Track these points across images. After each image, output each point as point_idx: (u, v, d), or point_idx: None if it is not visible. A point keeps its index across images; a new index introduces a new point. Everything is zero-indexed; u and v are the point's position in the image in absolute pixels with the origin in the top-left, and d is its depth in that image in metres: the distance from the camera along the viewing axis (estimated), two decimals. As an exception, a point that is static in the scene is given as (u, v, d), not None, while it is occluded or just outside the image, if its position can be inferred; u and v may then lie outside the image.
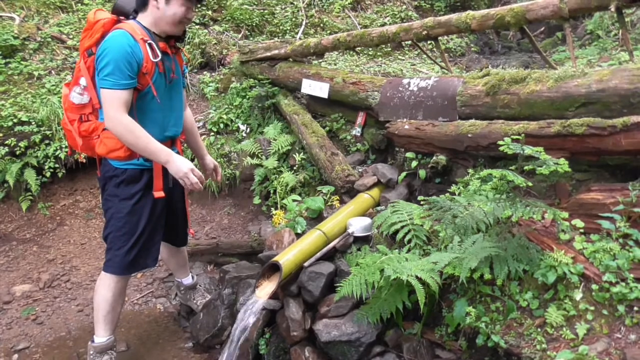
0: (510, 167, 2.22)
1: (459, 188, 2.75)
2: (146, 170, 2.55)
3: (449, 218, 2.25)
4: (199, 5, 2.52)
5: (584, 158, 2.40)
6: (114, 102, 2.30)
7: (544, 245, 2.16)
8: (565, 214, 2.22)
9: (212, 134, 4.99)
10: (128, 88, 2.33)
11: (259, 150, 4.46)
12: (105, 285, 2.69)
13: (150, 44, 2.37)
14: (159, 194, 2.54)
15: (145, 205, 2.57)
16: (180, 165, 2.41)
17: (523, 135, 2.21)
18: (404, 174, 3.26)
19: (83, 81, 2.48)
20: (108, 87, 2.29)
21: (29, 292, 3.71)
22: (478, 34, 7.32)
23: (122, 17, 2.47)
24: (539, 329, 1.98)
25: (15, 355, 3.10)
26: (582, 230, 2.19)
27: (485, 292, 2.18)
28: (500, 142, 2.21)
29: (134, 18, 2.44)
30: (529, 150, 2.14)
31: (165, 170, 2.56)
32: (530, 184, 2.13)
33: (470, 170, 2.83)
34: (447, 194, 2.70)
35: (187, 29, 2.74)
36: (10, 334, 3.28)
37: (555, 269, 2.02)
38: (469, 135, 2.79)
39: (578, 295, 1.98)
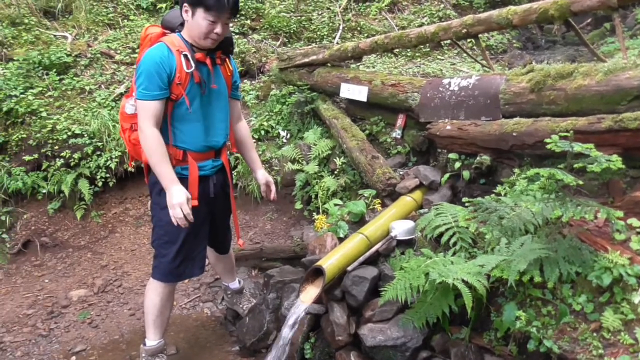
0: (559, 166, 2.15)
1: (504, 188, 2.68)
2: (184, 180, 2.57)
3: (495, 219, 2.20)
4: (231, 20, 2.50)
5: (638, 154, 2.29)
6: (142, 112, 2.38)
7: (598, 246, 2.07)
8: (620, 213, 2.13)
9: (254, 141, 5.06)
10: (158, 99, 2.38)
11: (300, 156, 4.50)
12: (154, 290, 2.77)
13: (185, 55, 2.41)
14: (193, 202, 2.55)
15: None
16: (174, 196, 2.40)
17: (571, 131, 2.14)
18: (446, 175, 3.21)
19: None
20: (140, 98, 2.37)
21: (85, 297, 3.87)
22: (520, 29, 7.12)
23: (168, 31, 2.54)
24: (594, 334, 1.90)
25: (73, 358, 3.23)
26: (638, 230, 2.09)
27: (535, 296, 2.11)
28: (547, 140, 2.14)
29: (179, 31, 2.50)
30: (578, 147, 2.07)
31: (204, 180, 2.61)
32: (580, 182, 2.05)
33: (516, 170, 2.76)
34: (493, 195, 2.64)
35: (234, 40, 2.75)
36: (68, 337, 3.43)
37: (610, 271, 1.93)
38: (514, 134, 2.72)
39: (636, 298, 1.89)
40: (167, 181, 2.43)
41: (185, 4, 2.36)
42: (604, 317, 1.88)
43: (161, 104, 2.40)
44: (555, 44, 7.17)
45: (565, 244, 2.08)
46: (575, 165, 2.08)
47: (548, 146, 2.11)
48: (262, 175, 2.96)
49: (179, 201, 2.40)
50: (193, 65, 2.43)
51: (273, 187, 2.95)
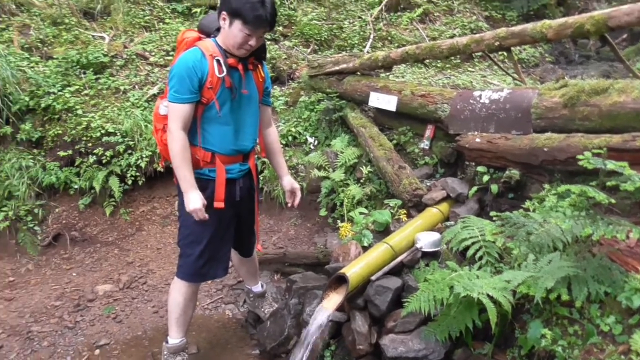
0: (591, 183, 2.12)
1: (533, 204, 2.64)
2: (211, 182, 2.61)
3: (522, 235, 2.18)
4: (267, 33, 2.52)
5: (673, 174, 2.24)
6: (172, 114, 2.43)
7: (629, 267, 2.03)
8: (653, 234, 2.08)
9: (281, 146, 5.11)
10: (188, 102, 2.43)
11: (326, 163, 4.51)
12: (177, 289, 2.82)
13: (217, 60, 2.45)
14: (219, 204, 2.60)
15: (210, 215, 2.60)
16: (190, 202, 2.47)
17: (605, 149, 2.11)
18: (474, 188, 3.19)
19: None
20: (170, 100, 2.43)
21: (110, 292, 3.95)
22: (553, 43, 7.03)
23: (203, 36, 2.58)
24: (622, 357, 1.86)
25: (97, 351, 3.31)
26: (671, 252, 2.05)
27: (562, 314, 2.07)
28: (580, 157, 2.12)
29: (215, 37, 2.54)
30: (611, 165, 2.04)
31: (231, 183, 2.64)
32: (613, 200, 2.02)
33: (546, 186, 2.72)
34: (521, 210, 2.61)
35: (266, 47, 2.78)
36: (93, 330, 3.51)
37: (641, 293, 1.89)
38: (545, 149, 2.69)
39: (667, 322, 1.85)
40: (186, 185, 2.49)
41: (223, 12, 2.39)
42: (633, 340, 1.84)
43: (191, 107, 2.45)
44: (589, 59, 7.06)
45: (595, 263, 2.05)
46: (608, 183, 2.05)
47: (580, 163, 2.09)
48: (288, 181, 2.97)
49: (195, 207, 2.47)
50: (225, 70, 2.47)
51: (298, 194, 2.96)
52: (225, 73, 2.47)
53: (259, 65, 2.71)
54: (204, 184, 2.61)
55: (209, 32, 2.57)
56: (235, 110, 2.59)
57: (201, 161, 2.59)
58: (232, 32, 2.39)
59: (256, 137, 2.83)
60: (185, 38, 2.57)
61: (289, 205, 2.99)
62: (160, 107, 2.65)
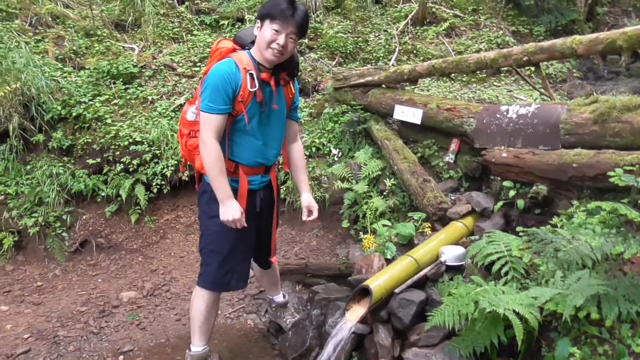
0: (622, 200, 2.08)
1: (561, 220, 2.60)
2: (234, 192, 2.61)
3: (550, 251, 2.14)
4: (297, 37, 2.50)
5: None
6: (206, 125, 2.44)
7: (661, 287, 1.98)
8: (686, 254, 2.03)
9: (305, 162, 5.14)
10: (222, 113, 2.45)
11: (350, 175, 4.52)
12: (200, 298, 2.84)
13: (251, 74, 2.48)
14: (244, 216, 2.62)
15: (228, 227, 2.62)
16: (229, 211, 2.49)
17: (637, 166, 2.07)
18: (500, 203, 3.15)
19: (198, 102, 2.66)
20: (204, 111, 2.44)
21: (134, 299, 4.01)
22: (582, 58, 6.95)
23: (238, 47, 2.61)
24: (654, 378, 1.81)
25: (121, 357, 3.34)
26: None
27: (591, 333, 2.03)
28: (611, 173, 2.08)
29: (249, 49, 2.57)
30: (644, 182, 2.00)
31: (252, 194, 2.66)
32: (645, 219, 1.98)
33: (575, 202, 2.68)
34: (548, 226, 2.57)
35: (298, 62, 2.79)
36: (117, 336, 3.56)
37: (674, 314, 1.84)
38: (574, 165, 2.65)
39: (702, 344, 1.79)
40: (223, 195, 2.50)
41: (257, 21, 2.47)
42: (666, 362, 1.79)
43: (224, 118, 2.47)
44: (619, 75, 6.94)
45: (626, 281, 2.00)
46: (640, 201, 2.01)
47: (611, 179, 2.05)
48: (307, 199, 2.94)
49: (235, 217, 2.50)
50: (257, 84, 2.49)
51: (315, 214, 2.93)
52: (257, 87, 2.49)
53: (291, 82, 2.72)
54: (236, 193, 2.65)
55: (243, 44, 2.60)
56: (263, 124, 2.62)
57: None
58: (262, 33, 2.43)
59: (280, 150, 2.85)
60: (220, 48, 2.59)
61: (304, 220, 2.97)
62: (188, 113, 2.69)
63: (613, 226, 2.18)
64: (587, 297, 1.94)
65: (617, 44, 3.02)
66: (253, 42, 2.55)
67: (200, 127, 2.49)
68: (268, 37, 2.41)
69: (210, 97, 2.42)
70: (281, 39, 2.41)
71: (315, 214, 2.92)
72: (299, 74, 5.52)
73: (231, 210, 2.50)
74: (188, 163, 2.85)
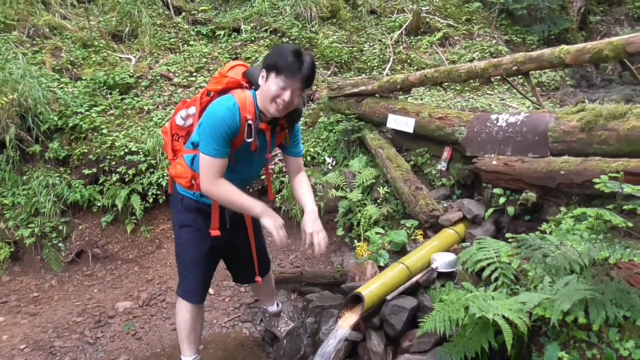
0: (608, 207, 2.12)
1: (550, 226, 2.64)
2: (207, 207, 2.63)
3: (539, 257, 2.17)
4: (303, 91, 2.41)
5: (693, 199, 2.23)
6: (210, 169, 2.39)
7: (647, 291, 2.01)
8: (671, 259, 2.07)
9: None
10: (226, 156, 2.41)
11: (344, 183, 4.56)
12: (183, 307, 2.85)
13: (249, 125, 2.41)
14: (214, 232, 2.64)
15: (199, 237, 2.66)
16: (271, 221, 2.45)
17: (622, 173, 2.11)
18: (490, 210, 3.19)
19: (192, 110, 2.63)
20: (205, 153, 2.38)
21: (130, 309, 4.02)
22: (574, 67, 7.02)
23: (246, 84, 2.52)
24: (641, 382, 1.84)
25: (116, 367, 3.37)
26: (691, 277, 2.03)
27: (579, 338, 2.06)
28: (596, 180, 2.12)
29: (255, 89, 2.48)
30: (628, 188, 2.04)
31: (222, 211, 2.65)
32: (630, 224, 2.02)
33: (563, 209, 2.72)
34: (537, 232, 2.60)
35: (301, 111, 2.74)
36: (113, 347, 3.57)
37: (660, 317, 1.87)
38: (562, 172, 2.69)
39: (687, 347, 1.82)
40: (260, 208, 2.48)
41: (262, 70, 2.37)
42: (651, 365, 1.82)
43: (226, 159, 2.43)
44: (611, 83, 7.00)
45: (613, 286, 2.03)
46: (625, 207, 2.05)
47: (597, 186, 2.09)
48: (307, 222, 2.59)
49: (278, 225, 2.45)
50: (253, 136, 2.46)
51: (316, 239, 2.55)
52: (253, 139, 2.45)
53: (287, 128, 2.66)
54: (192, 205, 2.67)
55: (252, 82, 2.50)
56: (247, 161, 2.60)
57: (195, 188, 2.60)
58: (267, 86, 2.34)
59: (251, 182, 2.87)
60: (230, 77, 2.51)
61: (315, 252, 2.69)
62: (178, 117, 2.66)
63: (600, 232, 2.22)
64: (575, 301, 1.97)
65: (603, 53, 3.08)
66: (261, 69, 2.43)
67: (201, 170, 2.43)
68: (273, 91, 2.33)
69: (212, 141, 2.36)
70: (287, 95, 2.33)
71: (317, 243, 2.54)
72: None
73: (273, 220, 2.45)
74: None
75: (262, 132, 2.52)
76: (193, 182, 2.58)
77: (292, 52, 2.29)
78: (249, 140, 2.44)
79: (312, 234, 2.52)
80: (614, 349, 1.97)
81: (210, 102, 2.51)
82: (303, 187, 2.73)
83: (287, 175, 3.02)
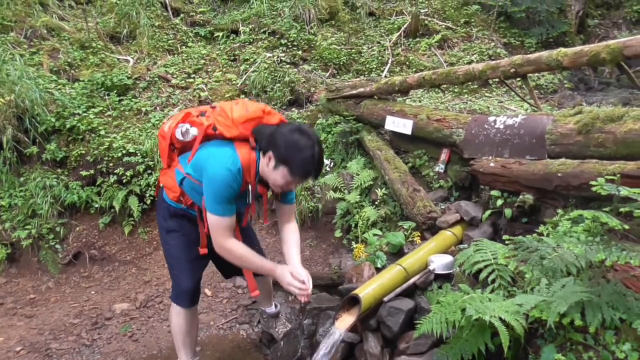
0: (605, 209, 2.12)
1: (547, 229, 2.64)
2: (189, 213, 2.65)
3: (536, 259, 2.17)
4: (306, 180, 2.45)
5: (689, 201, 2.23)
6: (219, 227, 2.38)
7: (644, 294, 2.01)
8: (668, 261, 2.07)
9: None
10: (232, 214, 2.40)
11: (342, 185, 4.56)
12: (176, 314, 2.84)
13: (249, 189, 2.45)
14: (203, 250, 2.66)
15: (187, 242, 2.67)
16: (283, 275, 2.47)
17: (619, 175, 2.11)
18: (488, 212, 3.19)
19: (194, 130, 2.49)
20: (213, 213, 2.36)
21: (127, 311, 4.01)
22: (572, 69, 7.03)
23: (253, 141, 2.42)
24: (637, 384, 1.83)
25: (113, 369, 3.36)
26: (687, 279, 2.03)
27: (576, 340, 2.05)
28: (593, 182, 2.13)
29: (259, 150, 2.40)
30: (625, 191, 2.04)
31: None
32: (627, 226, 2.02)
33: (560, 211, 2.72)
34: (534, 235, 2.60)
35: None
36: (109, 349, 3.56)
37: (656, 320, 1.87)
38: (559, 175, 2.70)
39: (683, 349, 1.82)
40: (270, 266, 2.54)
41: (270, 153, 2.30)
42: (647, 367, 1.82)
43: (234, 217, 2.43)
44: (609, 86, 7.02)
45: (609, 289, 2.03)
46: (622, 210, 2.05)
47: (594, 188, 2.09)
48: (294, 271, 2.54)
49: (288, 281, 2.46)
50: (251, 200, 2.51)
51: (309, 285, 2.50)
52: (251, 202, 2.52)
53: None
54: (179, 213, 2.66)
55: (259, 140, 2.40)
56: (243, 204, 2.57)
57: (183, 203, 2.62)
58: (275, 174, 2.32)
59: None
60: (240, 130, 2.39)
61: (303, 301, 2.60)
62: (177, 130, 2.55)
63: (597, 234, 2.22)
64: (571, 304, 1.97)
65: (601, 56, 3.08)
66: (266, 143, 2.34)
67: (211, 229, 2.41)
68: (280, 182, 2.34)
69: (217, 203, 2.35)
70: (293, 187, 2.47)
71: (309, 287, 2.50)
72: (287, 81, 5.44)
73: (287, 276, 2.46)
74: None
75: (260, 195, 2.58)
76: (181, 198, 2.60)
77: (310, 159, 2.25)
78: (248, 203, 2.50)
79: (307, 279, 2.50)
80: (610, 352, 1.97)
81: (214, 137, 2.45)
82: (291, 241, 2.68)
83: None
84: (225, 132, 2.37)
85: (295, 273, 2.48)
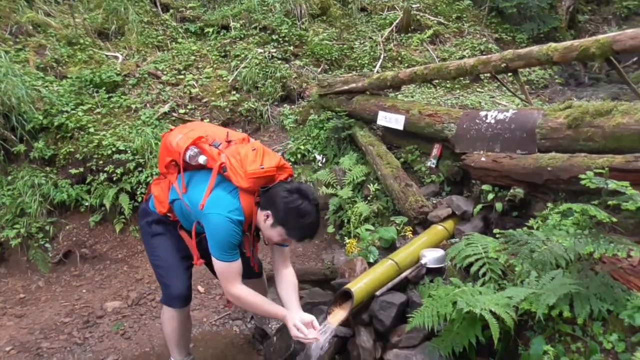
0: (593, 202, 2.13)
1: (537, 222, 2.66)
2: (175, 223, 2.67)
3: (526, 252, 2.19)
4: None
5: (676, 194, 2.25)
6: (228, 275, 2.42)
7: (631, 285, 2.04)
8: (655, 253, 2.09)
9: (290, 163, 5.18)
10: (238, 259, 2.42)
11: (334, 180, 4.56)
12: (169, 317, 2.81)
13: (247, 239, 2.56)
14: (199, 263, 2.65)
15: (174, 243, 2.67)
16: (291, 329, 2.46)
17: (607, 169, 2.13)
18: (479, 206, 3.21)
19: (202, 159, 2.46)
20: (220, 260, 2.38)
21: (119, 309, 3.98)
22: (563, 65, 7.07)
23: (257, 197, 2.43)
24: (625, 374, 1.86)
25: (105, 367, 3.34)
26: (675, 271, 2.05)
27: (564, 331, 2.08)
28: (582, 176, 2.14)
29: (260, 204, 2.42)
30: (613, 184, 2.06)
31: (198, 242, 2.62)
32: (614, 219, 2.04)
33: (550, 204, 2.74)
34: (525, 228, 2.62)
35: None
36: (101, 347, 3.54)
37: (643, 311, 1.89)
38: (549, 169, 2.71)
39: (670, 340, 1.85)
40: (281, 313, 2.55)
41: (268, 212, 2.35)
42: (635, 357, 1.83)
43: (240, 261, 2.45)
44: (599, 81, 7.07)
45: (597, 281, 2.05)
46: (610, 203, 2.06)
47: (582, 182, 2.11)
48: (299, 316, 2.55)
49: (295, 334, 2.47)
50: (250, 247, 2.64)
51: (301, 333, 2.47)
52: (248, 249, 2.63)
53: None
54: (164, 219, 2.66)
55: (261, 199, 2.42)
56: None
57: (168, 213, 2.62)
58: (272, 232, 2.39)
59: None
60: (250, 185, 2.36)
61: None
62: (188, 153, 2.48)
63: (585, 227, 2.24)
64: (560, 296, 1.99)
65: (590, 51, 3.10)
66: (266, 204, 2.39)
67: (220, 276, 2.47)
68: (276, 240, 2.44)
69: (223, 251, 2.36)
70: (287, 243, 2.55)
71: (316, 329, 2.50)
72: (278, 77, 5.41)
73: (296, 320, 2.47)
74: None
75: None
76: (168, 214, 2.62)
77: (309, 226, 2.34)
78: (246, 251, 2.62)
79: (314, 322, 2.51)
80: (598, 342, 1.99)
81: (226, 177, 2.40)
82: (290, 286, 2.68)
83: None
84: (234, 180, 2.35)
85: (301, 321, 2.48)
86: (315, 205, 2.35)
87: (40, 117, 5.03)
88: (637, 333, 1.92)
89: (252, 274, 3.04)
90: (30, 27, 6.25)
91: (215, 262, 2.40)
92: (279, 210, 2.31)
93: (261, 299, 2.53)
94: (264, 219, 2.37)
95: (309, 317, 2.52)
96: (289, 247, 2.68)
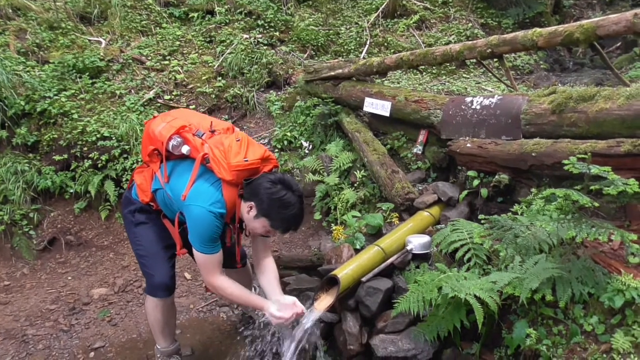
0: (576, 187, 2.16)
1: (521, 208, 2.69)
2: (158, 212, 2.66)
3: (510, 237, 2.22)
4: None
5: (657, 179, 2.29)
6: (208, 266, 2.43)
7: (612, 269, 2.08)
8: (634, 236, 2.13)
9: (277, 150, 5.16)
10: (218, 251, 2.42)
11: (321, 167, 4.55)
12: (153, 307, 2.80)
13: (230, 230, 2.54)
14: (182, 252, 2.64)
15: (157, 231, 2.66)
16: (277, 312, 2.47)
17: (590, 154, 2.16)
18: (465, 192, 3.23)
19: (185, 149, 2.43)
20: (201, 252, 2.38)
21: (105, 296, 3.97)
22: (548, 50, 7.11)
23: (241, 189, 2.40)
24: (604, 355, 1.90)
25: (92, 353, 3.33)
26: (654, 254, 2.09)
27: (547, 315, 2.12)
28: (565, 161, 2.17)
29: (243, 196, 2.40)
30: (595, 169, 2.09)
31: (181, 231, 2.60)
32: (596, 204, 2.07)
33: (534, 190, 2.77)
34: (509, 214, 2.65)
35: None
36: (88, 333, 3.53)
37: (623, 293, 1.94)
38: (533, 154, 2.74)
39: (648, 321, 1.89)
40: (260, 302, 2.56)
41: (251, 203, 2.33)
42: (614, 339, 1.88)
43: (221, 253, 2.46)
44: (583, 67, 7.13)
45: (579, 264, 2.09)
46: (592, 188, 2.10)
47: (565, 167, 2.14)
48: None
49: (277, 322, 2.50)
50: (232, 239, 2.62)
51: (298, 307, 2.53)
52: (228, 240, 2.59)
53: None
54: (148, 207, 2.65)
55: (245, 190, 2.41)
56: None
57: (153, 205, 2.62)
58: (255, 223, 2.39)
59: None
60: (234, 177, 2.33)
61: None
62: (171, 142, 2.44)
63: (568, 212, 2.28)
64: (543, 280, 2.03)
65: (574, 36, 3.12)
66: (249, 195, 2.37)
67: (200, 267, 2.48)
68: (259, 231, 2.45)
69: (203, 244, 2.36)
70: (271, 235, 2.55)
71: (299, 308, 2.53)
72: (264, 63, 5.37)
73: (276, 311, 2.47)
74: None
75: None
76: (151, 203, 2.60)
77: (292, 217, 2.35)
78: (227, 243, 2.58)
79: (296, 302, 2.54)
80: (579, 325, 2.04)
81: (209, 168, 2.37)
82: (270, 274, 2.69)
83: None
84: (217, 172, 2.32)
85: (283, 303, 2.50)
86: (299, 197, 2.35)
87: (22, 103, 4.94)
88: (617, 315, 1.97)
89: (237, 265, 3.03)
90: (10, 11, 6.10)
91: (196, 253, 2.40)
92: (262, 202, 2.31)
93: (241, 289, 2.53)
94: (247, 211, 2.36)
95: (290, 299, 2.53)
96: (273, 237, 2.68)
